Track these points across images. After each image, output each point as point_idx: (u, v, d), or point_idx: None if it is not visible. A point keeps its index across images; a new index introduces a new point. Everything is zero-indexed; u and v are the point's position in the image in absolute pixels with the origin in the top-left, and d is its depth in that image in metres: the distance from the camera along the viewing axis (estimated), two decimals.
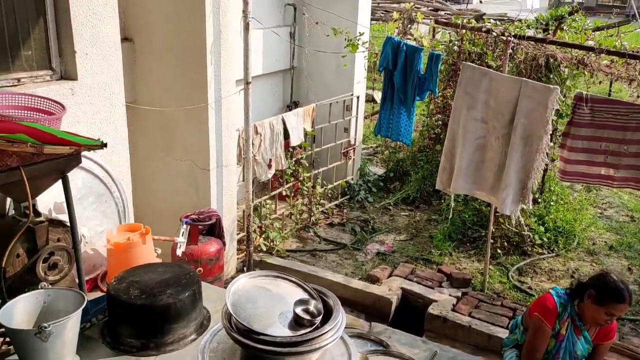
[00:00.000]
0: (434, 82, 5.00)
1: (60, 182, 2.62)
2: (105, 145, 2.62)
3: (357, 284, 4.96)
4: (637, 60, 4.15)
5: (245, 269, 5.07)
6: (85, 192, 3.26)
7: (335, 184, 6.60)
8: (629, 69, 4.20)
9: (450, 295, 4.82)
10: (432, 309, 4.58)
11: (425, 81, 5.03)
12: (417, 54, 5.02)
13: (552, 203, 5.99)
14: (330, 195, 6.61)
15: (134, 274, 2.43)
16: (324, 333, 1.93)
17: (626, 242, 5.94)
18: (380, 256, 5.58)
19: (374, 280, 5.03)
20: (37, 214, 2.65)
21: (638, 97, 4.47)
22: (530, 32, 5.11)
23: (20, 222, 2.59)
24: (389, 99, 5.30)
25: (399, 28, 6.15)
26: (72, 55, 3.24)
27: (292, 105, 6.86)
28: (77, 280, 2.80)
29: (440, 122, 6.69)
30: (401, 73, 5.11)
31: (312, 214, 6.14)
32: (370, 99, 9.12)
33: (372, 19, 8.81)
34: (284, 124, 5.48)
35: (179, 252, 3.81)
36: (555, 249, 5.66)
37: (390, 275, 5.12)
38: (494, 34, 4.77)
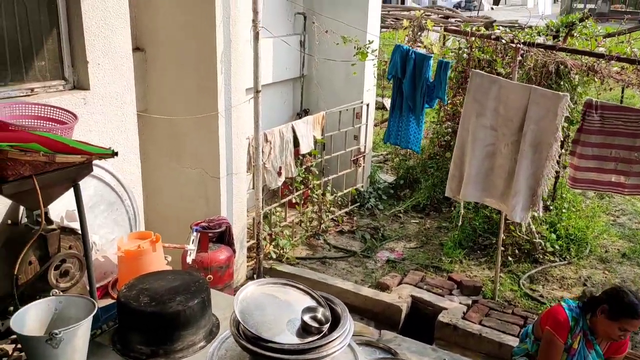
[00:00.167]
0: (442, 89, 5.00)
1: (72, 190, 2.66)
2: (116, 154, 2.66)
3: (367, 291, 4.96)
4: None
5: (255, 276, 5.09)
6: (96, 200, 3.30)
7: (345, 191, 6.60)
8: (639, 75, 4.18)
9: (460, 303, 4.80)
10: (442, 317, 4.56)
11: (434, 89, 5.04)
12: (425, 62, 5.03)
13: (564, 210, 5.95)
14: (340, 202, 6.62)
15: (144, 281, 2.45)
16: (332, 341, 1.94)
17: (639, 250, 5.88)
18: (390, 264, 5.57)
19: (383, 287, 5.02)
20: (49, 222, 2.69)
21: None
22: (540, 39, 5.10)
23: (32, 230, 2.63)
24: (398, 106, 5.31)
25: (409, 36, 6.16)
26: (84, 65, 3.29)
27: (302, 113, 6.89)
28: (88, 288, 2.83)
29: (450, 130, 6.68)
30: (410, 81, 5.12)
31: (322, 222, 6.15)
32: (380, 107, 9.14)
33: (382, 27, 8.85)
34: (294, 131, 5.51)
35: (189, 260, 3.84)
36: (567, 256, 5.62)
37: (400, 283, 5.11)
38: (503, 41, 4.76)
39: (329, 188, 6.27)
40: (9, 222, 2.87)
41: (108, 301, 2.94)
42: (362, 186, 6.97)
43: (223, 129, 4.45)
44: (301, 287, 2.22)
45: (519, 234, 5.49)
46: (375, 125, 8.15)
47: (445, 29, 5.55)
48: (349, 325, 2.04)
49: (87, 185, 3.09)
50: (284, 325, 1.99)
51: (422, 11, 6.73)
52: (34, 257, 2.62)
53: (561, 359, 3.06)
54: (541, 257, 5.55)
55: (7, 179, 2.32)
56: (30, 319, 2.19)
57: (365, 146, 6.82)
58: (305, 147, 5.72)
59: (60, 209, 2.94)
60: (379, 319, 4.78)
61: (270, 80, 6.22)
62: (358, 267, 5.50)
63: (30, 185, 2.38)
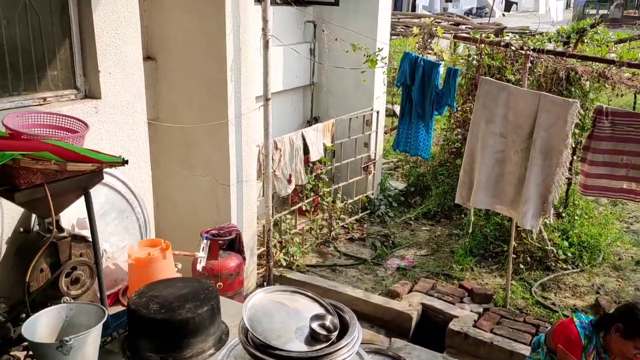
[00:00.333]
0: (452, 96, 5.00)
1: (83, 198, 2.69)
2: (126, 162, 2.69)
3: (377, 299, 4.94)
4: None
5: (265, 283, 5.09)
6: (107, 208, 3.34)
7: (355, 198, 6.60)
8: None
9: (471, 311, 4.76)
10: (453, 325, 4.52)
11: (443, 96, 5.04)
12: (434, 69, 5.03)
13: (576, 217, 5.89)
14: (350, 210, 6.61)
15: (154, 288, 2.47)
16: (340, 348, 1.93)
17: None
18: (400, 271, 5.55)
19: (394, 295, 5.00)
20: (61, 229, 2.72)
21: None
22: (550, 46, 5.08)
23: (44, 238, 2.66)
24: (407, 114, 5.31)
25: (419, 43, 6.17)
26: (96, 74, 3.33)
27: (313, 120, 6.91)
28: (98, 295, 2.85)
29: (460, 136, 6.66)
30: (419, 88, 5.13)
31: (332, 229, 6.15)
32: (391, 114, 9.15)
33: (392, 34, 8.86)
34: (304, 139, 5.52)
35: (199, 267, 3.85)
36: (580, 264, 5.56)
37: (410, 291, 5.09)
38: (513, 48, 4.75)
39: (339, 195, 6.27)
40: (21, 229, 2.91)
41: (118, 308, 2.97)
42: (373, 193, 6.96)
43: (233, 136, 4.47)
44: (309, 294, 2.22)
45: (531, 241, 5.45)
46: (386, 132, 8.14)
47: (455, 36, 5.55)
48: (358, 332, 2.03)
49: (98, 193, 3.12)
50: (292, 332, 1.99)
51: (432, 18, 6.74)
52: (45, 264, 2.65)
53: None
54: (553, 264, 5.49)
55: (20, 187, 2.35)
56: (41, 326, 2.21)
57: (375, 153, 6.82)
58: (315, 154, 5.73)
59: (72, 216, 2.97)
60: (389, 326, 4.76)
61: (281, 88, 6.25)
62: (368, 275, 5.49)
63: (41, 193, 2.41)
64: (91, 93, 3.39)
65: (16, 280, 2.67)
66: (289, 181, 5.37)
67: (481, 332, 4.43)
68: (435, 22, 6.95)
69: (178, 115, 4.50)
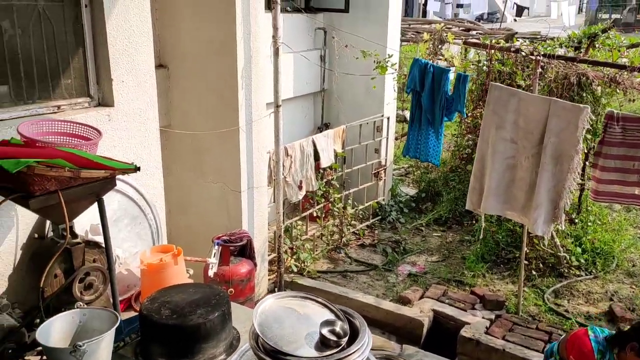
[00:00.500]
0: (461, 102, 5.00)
1: (96, 204, 2.72)
2: (138, 169, 2.72)
3: (388, 305, 4.93)
4: None
5: (276, 289, 5.10)
6: (120, 214, 3.37)
7: (366, 204, 6.60)
8: None
9: (483, 317, 4.74)
10: (465, 332, 4.50)
11: (453, 102, 5.04)
12: (444, 75, 5.04)
13: (589, 223, 5.84)
14: (361, 216, 6.61)
15: (166, 294, 2.49)
16: (350, 354, 1.94)
17: None
18: (411, 277, 5.53)
19: (405, 301, 4.98)
20: (74, 235, 2.76)
21: None
22: (561, 51, 5.07)
23: (58, 244, 2.70)
24: (417, 120, 5.31)
25: (430, 49, 6.18)
26: (109, 83, 3.37)
27: (323, 127, 6.93)
28: (111, 300, 2.88)
29: (471, 142, 6.65)
30: (429, 94, 5.13)
31: (343, 235, 6.15)
32: (401, 119, 9.15)
33: (402, 40, 8.87)
34: (314, 145, 5.54)
35: (210, 273, 3.87)
36: (593, 270, 5.51)
37: (421, 297, 5.07)
38: (523, 53, 4.74)
39: (349, 201, 6.27)
40: (36, 235, 2.95)
41: (131, 314, 2.99)
42: (383, 199, 6.95)
43: (244, 143, 4.50)
44: (320, 300, 2.23)
45: (543, 247, 5.41)
46: (396, 138, 8.15)
47: (465, 42, 5.55)
48: (368, 338, 2.04)
49: (111, 199, 3.16)
50: (302, 338, 2.00)
51: (442, 24, 6.74)
52: (59, 270, 2.68)
53: None
54: (566, 271, 5.45)
55: (34, 194, 2.39)
56: (55, 331, 2.24)
57: (386, 159, 6.82)
58: (326, 160, 5.75)
59: (85, 222, 3.00)
60: (401, 333, 4.74)
61: (291, 95, 6.29)
62: (379, 281, 5.48)
63: (55, 200, 2.44)
64: (104, 101, 3.43)
65: (31, 286, 2.70)
66: (300, 187, 5.39)
67: (493, 339, 4.41)
68: (446, 27, 6.95)
69: (190, 122, 4.55)
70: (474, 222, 6.48)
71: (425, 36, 6.21)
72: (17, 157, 2.35)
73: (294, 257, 5.54)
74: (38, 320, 2.50)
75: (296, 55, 6.16)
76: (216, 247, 3.98)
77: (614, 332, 3.06)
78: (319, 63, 6.68)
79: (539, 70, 4.40)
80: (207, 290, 2.54)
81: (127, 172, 2.75)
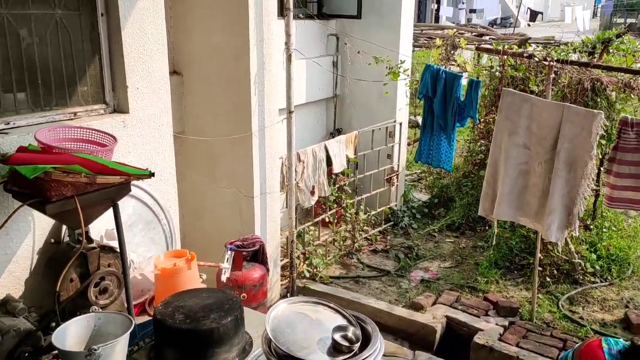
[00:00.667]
0: (474, 108, 4.98)
1: (111, 209, 2.76)
2: (153, 174, 2.76)
3: (400, 311, 4.92)
4: None
5: (288, 295, 5.11)
6: (135, 219, 3.41)
7: (378, 210, 6.59)
8: None
9: (496, 324, 4.70)
10: (478, 338, 4.47)
11: (465, 108, 5.03)
12: (456, 81, 5.03)
13: (604, 229, 5.79)
14: (373, 221, 6.61)
15: (179, 298, 2.51)
16: None
17: None
18: (424, 283, 5.51)
19: (418, 307, 4.97)
20: (90, 240, 2.80)
21: None
22: (575, 56, 5.04)
23: (74, 249, 2.74)
24: (429, 125, 5.31)
25: (442, 54, 6.18)
26: (124, 90, 3.42)
27: (336, 132, 6.95)
28: (125, 305, 2.91)
29: (484, 148, 6.62)
30: (441, 100, 5.13)
31: (355, 241, 6.15)
32: (414, 125, 9.15)
33: (415, 46, 8.87)
34: (327, 151, 5.56)
35: (223, 278, 3.89)
36: (609, 277, 5.45)
37: (434, 303, 5.05)
38: (536, 59, 4.73)
39: (362, 207, 6.28)
40: (52, 240, 2.99)
41: (145, 318, 3.02)
42: (396, 205, 6.94)
43: (257, 149, 4.53)
44: (332, 305, 2.24)
45: (557, 253, 5.37)
46: (409, 144, 8.14)
47: (477, 48, 5.54)
48: (380, 344, 2.04)
49: (125, 205, 3.19)
50: (314, 343, 2.01)
51: (455, 30, 6.74)
52: (75, 274, 2.72)
53: None
54: (581, 277, 5.40)
55: (51, 199, 2.43)
56: (70, 334, 2.27)
57: (398, 165, 6.82)
58: (338, 166, 5.76)
59: (100, 227, 3.04)
60: (413, 339, 4.72)
61: (304, 101, 6.31)
62: (392, 287, 5.47)
63: (72, 205, 2.48)
64: (119, 107, 3.48)
65: (47, 290, 2.74)
66: (312, 193, 5.41)
67: (507, 346, 4.37)
68: (459, 33, 6.95)
69: (203, 128, 4.59)
70: (487, 227, 6.44)
71: (438, 42, 6.21)
72: (35, 163, 2.39)
73: (307, 262, 5.55)
74: (54, 324, 2.53)
75: (309, 62, 6.19)
76: (229, 252, 4.00)
77: (628, 343, 3.02)
78: (331, 69, 6.71)
79: (553, 75, 4.38)
80: (220, 295, 2.56)
81: (142, 178, 2.79)
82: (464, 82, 5.44)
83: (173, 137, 3.83)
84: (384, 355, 2.04)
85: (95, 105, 3.39)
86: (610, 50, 5.35)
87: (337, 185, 5.91)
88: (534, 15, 31.58)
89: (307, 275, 5.45)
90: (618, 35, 5.46)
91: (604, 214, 5.90)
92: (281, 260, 5.26)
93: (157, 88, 3.60)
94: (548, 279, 5.35)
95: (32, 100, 3.12)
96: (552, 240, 4.20)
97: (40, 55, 3.12)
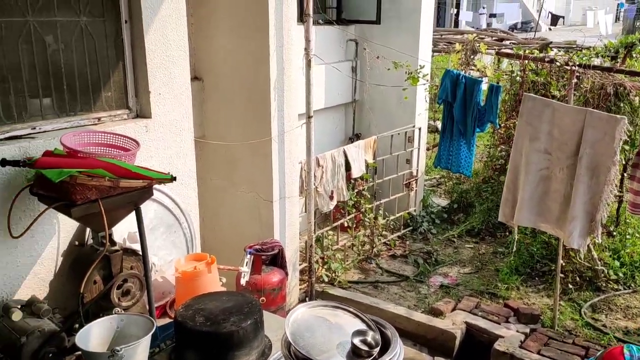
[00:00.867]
0: (494, 113, 4.96)
1: (133, 213, 2.80)
2: (174, 178, 2.79)
3: (419, 317, 4.89)
4: None
5: (307, 299, 5.12)
6: (156, 222, 3.45)
7: (397, 215, 6.58)
8: None
9: (517, 331, 4.65)
10: (499, 345, 4.43)
11: (485, 113, 5.00)
12: (476, 86, 5.01)
13: (628, 236, 5.70)
14: (392, 226, 6.59)
15: (199, 301, 2.54)
16: None
17: None
18: (443, 289, 5.48)
19: (437, 313, 4.94)
20: (113, 243, 2.84)
21: None
22: (597, 61, 4.99)
23: (97, 251, 2.78)
24: (449, 130, 5.29)
25: (462, 59, 6.16)
26: (146, 95, 3.47)
27: (354, 137, 6.95)
28: (147, 307, 2.94)
29: (504, 153, 6.57)
30: (460, 105, 5.11)
31: (374, 245, 6.14)
32: (433, 130, 9.12)
33: (434, 51, 8.86)
34: (346, 156, 5.57)
35: (242, 282, 3.92)
36: (632, 284, 5.36)
37: (454, 309, 5.02)
38: (557, 63, 4.69)
39: (380, 212, 6.27)
40: (76, 243, 3.04)
41: (166, 320, 3.05)
42: (415, 210, 6.92)
43: (276, 153, 4.56)
44: (351, 310, 2.25)
45: (580, 260, 5.30)
46: (428, 149, 8.11)
47: (498, 53, 5.51)
48: (399, 349, 2.04)
49: (147, 208, 3.23)
50: (334, 348, 2.02)
51: (474, 34, 6.71)
52: (98, 276, 2.76)
53: None
54: (604, 285, 5.32)
55: (76, 202, 2.47)
56: (93, 335, 2.31)
57: (417, 170, 6.80)
58: (357, 171, 5.76)
59: (123, 230, 3.09)
60: (432, 345, 4.70)
61: (323, 106, 6.34)
62: (411, 292, 5.45)
63: (96, 208, 2.53)
64: (142, 113, 3.53)
65: (71, 292, 2.79)
66: (331, 197, 5.42)
67: (528, 354, 4.33)
68: (479, 37, 6.92)
69: (223, 133, 4.63)
70: (507, 233, 6.39)
71: (457, 46, 6.19)
72: (60, 167, 2.44)
73: (325, 267, 5.55)
74: (77, 325, 2.57)
75: (328, 67, 6.21)
76: (248, 256, 4.02)
77: None
78: (350, 74, 6.72)
79: (575, 80, 4.34)
80: (240, 298, 2.58)
81: (164, 182, 2.82)
82: (484, 87, 5.41)
83: (194, 141, 3.87)
84: None
85: (118, 111, 3.45)
86: (634, 55, 5.28)
87: (355, 190, 5.92)
88: (555, 19, 31.25)
89: (326, 279, 5.46)
90: None
91: (627, 220, 5.81)
92: (300, 265, 5.28)
93: (178, 93, 3.65)
94: (570, 286, 5.28)
95: (57, 106, 3.18)
96: (574, 247, 4.15)
97: (65, 61, 3.18)
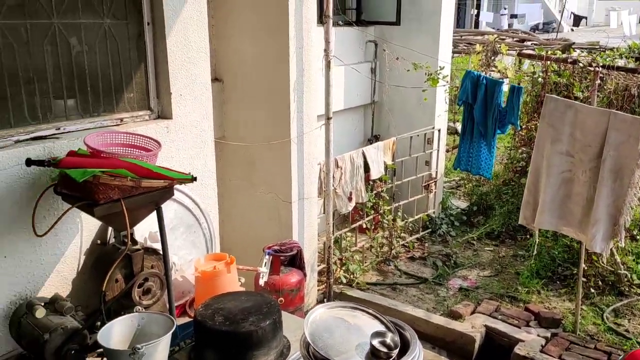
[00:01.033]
0: (515, 115, 4.91)
1: (154, 213, 2.83)
2: (195, 179, 2.82)
3: (438, 319, 4.86)
4: None
5: (325, 300, 5.12)
6: (176, 222, 3.48)
7: (416, 217, 6.55)
8: None
9: (538, 335, 4.60)
10: (519, 350, 4.38)
11: (506, 114, 4.95)
12: (497, 88, 4.97)
13: None
14: (411, 228, 6.56)
15: (219, 301, 2.56)
16: None
17: None
18: (462, 292, 5.44)
19: (456, 316, 4.90)
20: (134, 242, 2.88)
21: None
22: (621, 62, 4.91)
23: (119, 250, 2.82)
24: (469, 132, 5.25)
25: (482, 60, 6.11)
26: (168, 96, 3.51)
27: (373, 139, 6.94)
28: (167, 306, 2.98)
29: (525, 155, 6.51)
30: (481, 107, 5.07)
31: (392, 247, 6.12)
32: (453, 132, 9.07)
33: (454, 52, 8.80)
34: (364, 157, 5.56)
35: (261, 282, 3.94)
36: None
37: (473, 312, 4.97)
38: (581, 64, 4.63)
39: (399, 213, 6.24)
40: (99, 242, 3.09)
41: (185, 319, 3.08)
42: (434, 212, 6.88)
43: (295, 155, 4.57)
44: (370, 311, 2.25)
45: (602, 264, 5.22)
46: (447, 150, 8.06)
47: (519, 53, 5.46)
48: (419, 351, 2.03)
49: (168, 208, 3.27)
50: (353, 349, 2.02)
51: (495, 35, 6.65)
52: (120, 275, 2.80)
53: None
54: (627, 289, 5.23)
55: (99, 202, 2.51)
56: (115, 333, 2.34)
57: (436, 172, 6.76)
58: (376, 172, 5.75)
59: (144, 230, 3.12)
60: (451, 348, 4.66)
61: (342, 107, 6.34)
62: (429, 295, 5.42)
63: (118, 208, 2.56)
64: (163, 113, 3.57)
65: (93, 290, 2.83)
66: (350, 199, 5.41)
67: (549, 358, 4.27)
68: (499, 38, 6.85)
69: (243, 134, 4.66)
70: (528, 236, 6.31)
71: (478, 47, 6.15)
72: (84, 167, 2.48)
73: (343, 268, 5.55)
74: (99, 323, 2.61)
75: (347, 68, 6.21)
76: (267, 256, 4.04)
77: None
78: (369, 75, 6.71)
79: (598, 81, 4.28)
80: (259, 298, 2.59)
81: (184, 182, 2.85)
82: (505, 88, 5.36)
83: (214, 142, 3.90)
84: None
85: (140, 112, 3.50)
86: None
87: (374, 192, 5.91)
88: (577, 20, 30.79)
89: (344, 281, 5.45)
90: None
91: None
92: (318, 266, 5.28)
93: (199, 95, 3.68)
94: (592, 290, 5.20)
95: (81, 107, 3.24)
96: (597, 251, 4.09)
97: (89, 63, 3.23)
